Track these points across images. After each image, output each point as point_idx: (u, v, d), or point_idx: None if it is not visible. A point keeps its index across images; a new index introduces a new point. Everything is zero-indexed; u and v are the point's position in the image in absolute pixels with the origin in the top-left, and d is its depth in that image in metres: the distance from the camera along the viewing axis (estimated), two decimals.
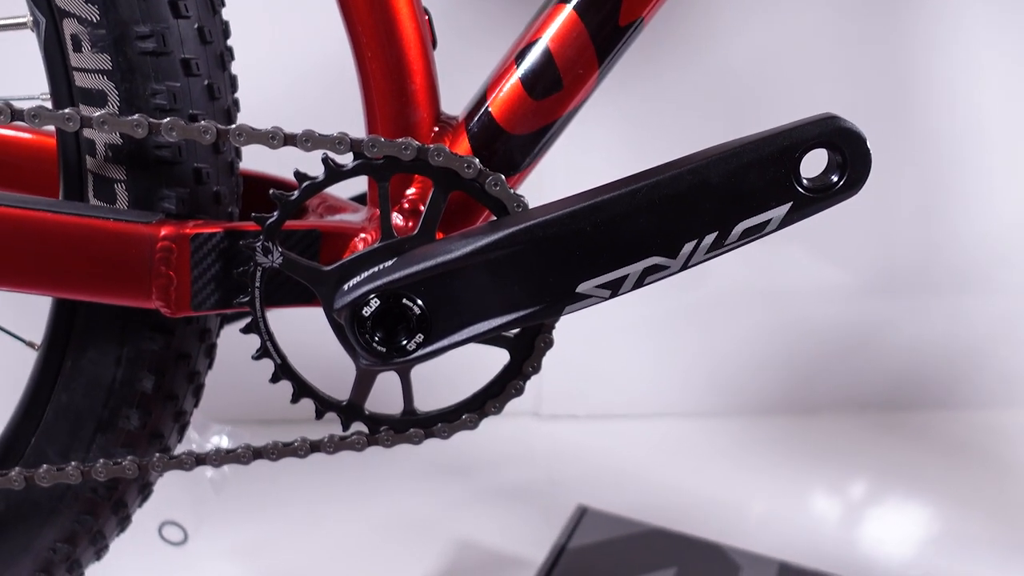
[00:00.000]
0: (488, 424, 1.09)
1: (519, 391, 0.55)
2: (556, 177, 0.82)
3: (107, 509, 0.59)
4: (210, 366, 0.61)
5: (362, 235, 0.54)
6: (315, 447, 0.55)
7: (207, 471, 0.78)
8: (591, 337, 1.12)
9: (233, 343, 0.62)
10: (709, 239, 0.46)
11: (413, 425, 0.55)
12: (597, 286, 0.47)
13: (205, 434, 0.83)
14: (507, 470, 1.04)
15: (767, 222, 0.45)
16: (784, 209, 0.45)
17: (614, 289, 0.48)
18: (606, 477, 1.01)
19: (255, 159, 0.62)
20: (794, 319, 1.19)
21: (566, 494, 0.91)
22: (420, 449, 1.06)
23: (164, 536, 0.81)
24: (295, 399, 0.54)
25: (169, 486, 0.79)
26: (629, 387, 1.17)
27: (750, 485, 1.03)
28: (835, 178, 0.46)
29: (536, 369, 0.54)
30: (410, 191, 0.55)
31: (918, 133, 1.12)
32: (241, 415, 0.93)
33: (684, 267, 0.47)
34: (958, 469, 1.10)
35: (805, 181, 0.46)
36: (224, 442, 0.80)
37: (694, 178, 0.45)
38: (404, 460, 1.03)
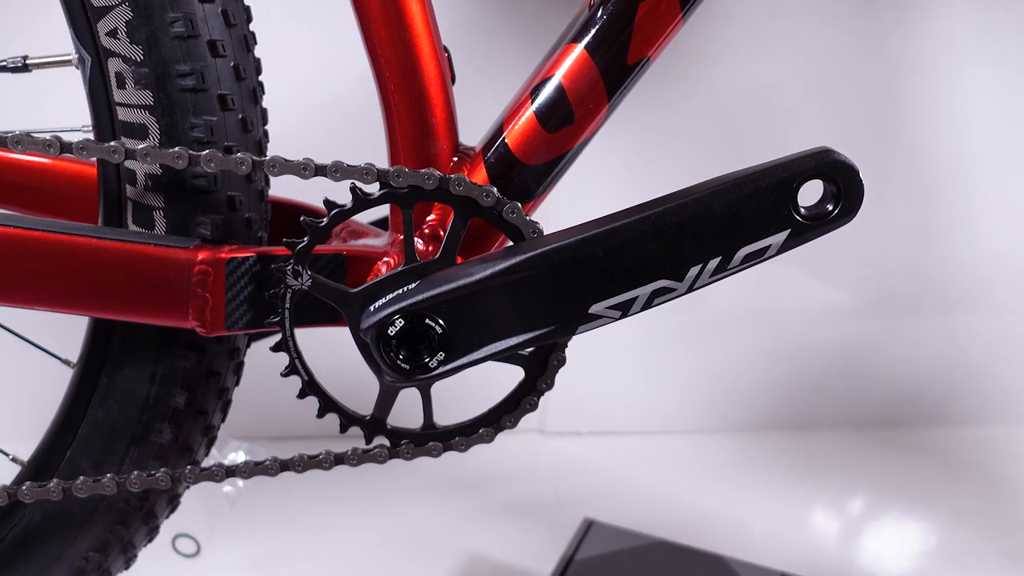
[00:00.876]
0: (495, 441, 1.12)
1: (533, 406, 0.58)
2: (562, 206, 0.85)
3: (138, 519, 0.62)
4: (237, 383, 0.64)
5: (385, 259, 0.57)
6: (339, 459, 0.58)
7: (224, 485, 0.81)
8: (595, 355, 1.14)
9: (253, 361, 0.65)
10: (713, 263, 0.49)
11: (433, 439, 0.58)
12: (608, 307, 0.50)
13: (223, 450, 0.86)
14: (513, 485, 1.07)
15: (767, 247, 0.49)
16: (783, 236, 0.49)
17: (624, 310, 0.51)
18: (610, 492, 1.03)
19: (278, 185, 0.66)
20: (792, 338, 1.22)
21: (571, 508, 0.94)
22: (430, 466, 1.09)
23: (177, 548, 0.83)
24: (321, 414, 0.57)
25: (184, 499, 0.82)
26: (631, 404, 1.20)
27: (750, 500, 1.06)
28: (830, 207, 0.49)
29: (550, 385, 0.58)
30: (430, 217, 0.59)
31: (912, 157, 1.16)
32: (255, 432, 0.96)
33: (690, 289, 0.50)
34: (955, 485, 1.12)
35: (802, 210, 0.49)
36: (241, 457, 0.83)
37: (699, 207, 0.49)
38: (413, 475, 1.06)
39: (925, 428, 1.24)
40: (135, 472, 0.57)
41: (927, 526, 1.05)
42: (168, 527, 0.86)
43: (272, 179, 0.60)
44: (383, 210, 0.63)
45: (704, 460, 1.14)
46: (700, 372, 1.20)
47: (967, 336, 1.24)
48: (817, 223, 0.49)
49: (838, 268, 1.19)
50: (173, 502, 0.64)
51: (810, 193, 0.50)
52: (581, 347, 1.02)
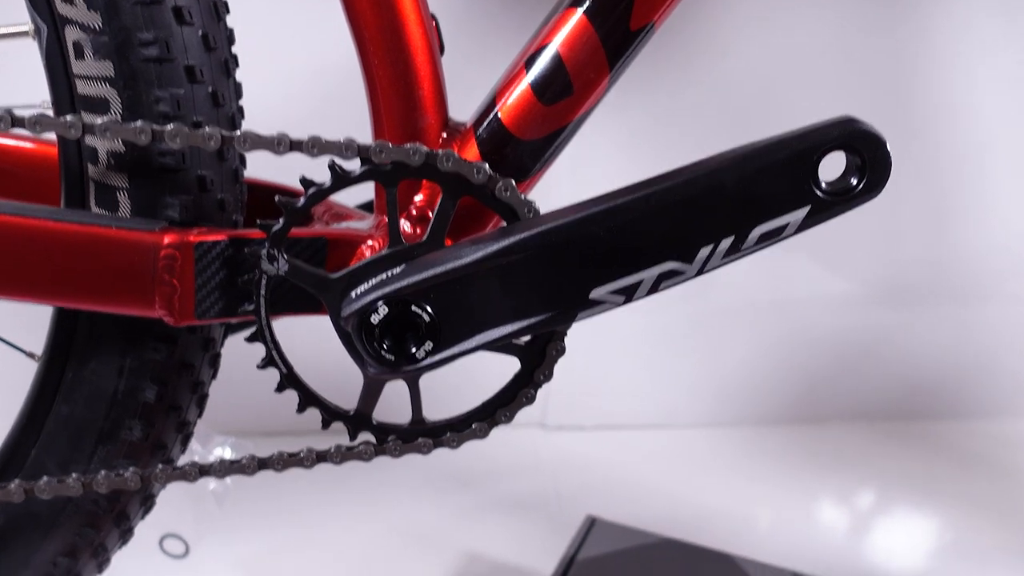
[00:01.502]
0: (494, 435, 1.08)
1: (530, 399, 0.54)
2: (562, 184, 0.81)
3: (109, 522, 0.58)
4: (214, 376, 0.60)
5: (369, 242, 0.53)
6: (321, 457, 0.54)
7: (210, 483, 0.77)
8: (597, 347, 1.11)
9: (237, 353, 0.61)
10: (726, 243, 0.45)
11: (422, 435, 0.54)
12: (611, 292, 0.46)
13: (208, 445, 0.82)
14: (513, 481, 1.03)
15: (785, 226, 0.44)
16: (802, 213, 0.44)
17: (628, 295, 0.47)
18: (614, 488, 1.00)
19: (260, 167, 0.62)
20: (801, 329, 1.18)
21: (573, 505, 0.90)
22: (425, 460, 1.05)
23: (165, 549, 0.80)
24: (301, 408, 0.53)
25: (170, 498, 0.78)
26: (636, 398, 1.16)
27: (759, 495, 1.02)
28: (855, 181, 0.45)
29: (548, 377, 0.53)
30: (418, 197, 0.54)
31: (924, 143, 1.12)
32: (244, 427, 0.92)
33: (700, 272, 0.46)
34: (967, 478, 1.08)
35: (824, 184, 0.45)
36: (227, 453, 0.79)
37: (709, 182, 0.44)
38: (408, 471, 1.02)
39: (938, 421, 1.20)
40: (102, 472, 0.53)
41: (939, 520, 1.02)
42: (155, 527, 0.83)
43: (249, 159, 0.56)
44: (370, 192, 0.59)
45: (712, 455, 1.10)
46: (707, 364, 1.17)
47: (980, 328, 1.20)
48: (840, 199, 0.45)
49: (849, 258, 1.15)
50: (147, 503, 0.60)
51: (831, 167, 0.45)
52: (582, 337, 0.99)
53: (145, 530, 0.80)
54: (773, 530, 0.96)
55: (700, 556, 0.76)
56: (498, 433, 1.05)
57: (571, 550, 0.77)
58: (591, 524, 0.81)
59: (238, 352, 0.61)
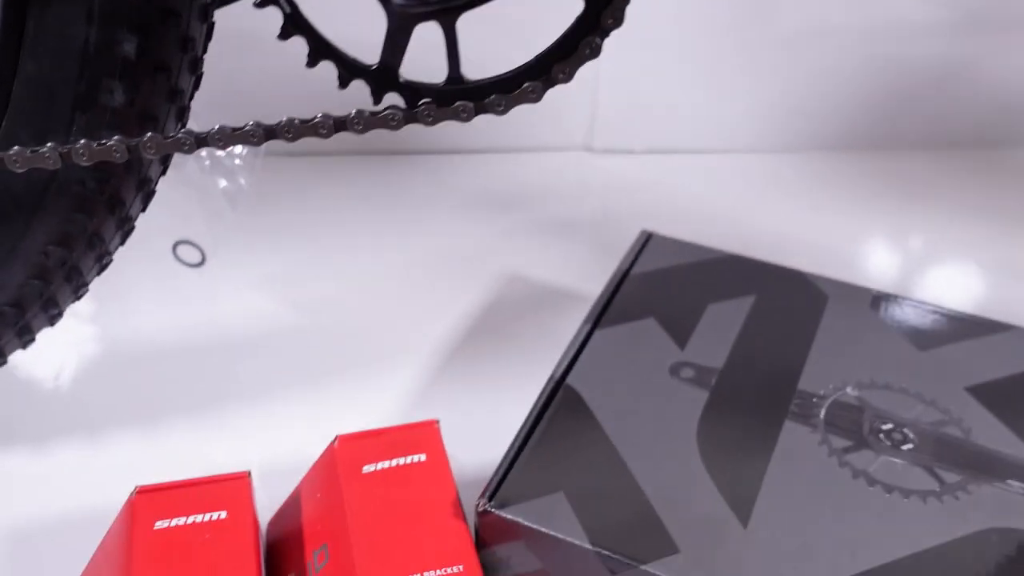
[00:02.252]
0: (534, 158, 0.98)
1: (595, 51, 0.43)
2: None
3: (102, 207, 0.50)
4: (209, 35, 0.50)
5: None
6: (340, 125, 0.45)
7: (220, 181, 0.69)
8: (646, 69, 0.98)
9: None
10: None
11: (461, 96, 0.44)
12: None
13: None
14: (559, 204, 0.94)
15: None
16: None
17: None
18: (668, 211, 0.91)
19: None
20: (879, 54, 1.04)
21: (625, 226, 0.82)
22: (462, 181, 0.97)
23: (179, 256, 0.73)
24: (312, 61, 0.43)
25: (181, 205, 0.71)
26: (691, 121, 1.05)
27: (829, 221, 0.94)
28: None
29: (618, 21, 0.42)
30: None
31: None
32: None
33: None
34: None
35: None
36: (237, 149, 0.70)
37: None
38: (447, 191, 0.94)
39: (1019, 148, 1.09)
40: (82, 140, 0.45)
41: (1018, 248, 0.93)
42: (168, 235, 0.76)
43: None
44: None
45: (775, 180, 1.00)
46: (772, 89, 1.04)
47: None
48: None
49: None
50: (144, 187, 0.52)
51: None
52: (630, 57, 0.86)
53: (158, 239, 0.74)
54: (848, 254, 0.88)
55: (769, 273, 0.68)
56: (539, 157, 0.95)
57: (625, 264, 0.69)
58: (647, 238, 0.72)
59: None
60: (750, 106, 1.05)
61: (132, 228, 0.54)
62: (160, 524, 0.50)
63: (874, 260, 0.88)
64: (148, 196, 0.53)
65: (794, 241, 0.84)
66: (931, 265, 0.89)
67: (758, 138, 1.06)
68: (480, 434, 0.57)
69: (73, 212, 0.49)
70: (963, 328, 0.64)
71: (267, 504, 0.58)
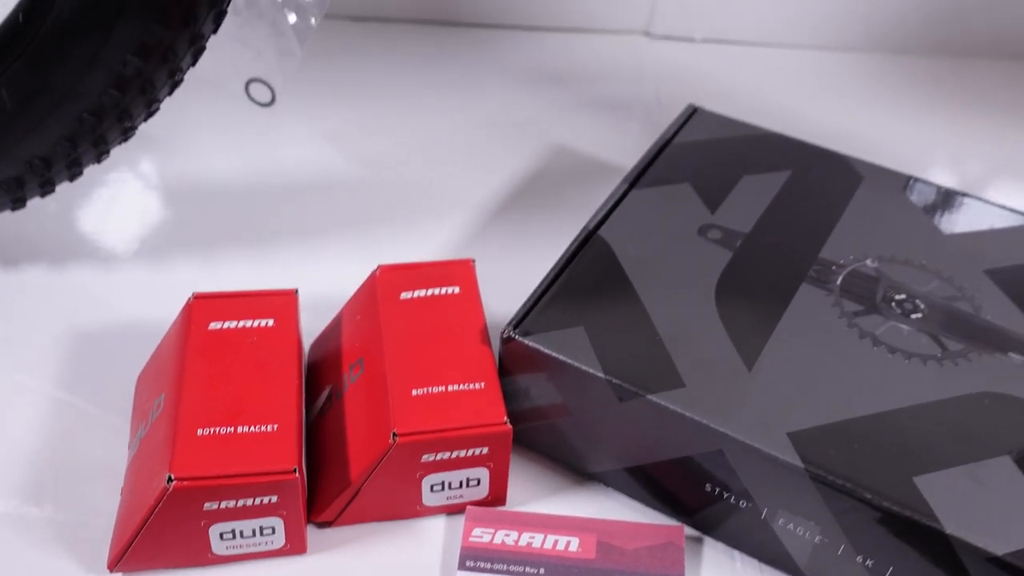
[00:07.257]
0: (591, 40, 0.99)
1: None
2: None
3: (176, 20, 0.54)
4: None
5: None
6: None
7: (291, 16, 0.72)
8: None
9: None
10: None
11: None
12: None
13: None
14: (613, 85, 0.95)
15: None
16: None
17: None
18: (721, 100, 0.91)
19: None
20: None
21: (674, 111, 0.83)
22: (520, 56, 0.98)
23: (251, 95, 0.77)
24: None
25: (252, 41, 0.74)
26: (755, 11, 1.04)
27: (884, 122, 0.93)
28: None
29: None
30: None
31: None
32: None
33: None
34: None
35: None
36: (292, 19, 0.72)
37: None
38: (502, 65, 0.96)
39: None
40: None
41: None
42: (239, 75, 0.80)
43: None
44: None
45: (838, 78, 1.00)
46: None
47: None
48: None
49: None
50: (215, 5, 0.55)
51: None
52: None
53: (232, 80, 0.78)
54: (892, 155, 0.88)
55: (808, 152, 0.70)
56: (596, 40, 0.96)
57: (668, 133, 0.71)
58: (692, 112, 0.74)
59: None
60: (817, 3, 1.04)
61: (203, 48, 0.58)
62: (214, 325, 0.55)
63: (923, 162, 0.88)
64: (219, 16, 0.56)
65: (844, 138, 0.84)
66: (981, 173, 0.89)
67: (820, 34, 1.04)
68: (513, 279, 0.60)
69: (151, 22, 0.53)
70: (992, 216, 0.65)
71: (311, 332, 0.63)
